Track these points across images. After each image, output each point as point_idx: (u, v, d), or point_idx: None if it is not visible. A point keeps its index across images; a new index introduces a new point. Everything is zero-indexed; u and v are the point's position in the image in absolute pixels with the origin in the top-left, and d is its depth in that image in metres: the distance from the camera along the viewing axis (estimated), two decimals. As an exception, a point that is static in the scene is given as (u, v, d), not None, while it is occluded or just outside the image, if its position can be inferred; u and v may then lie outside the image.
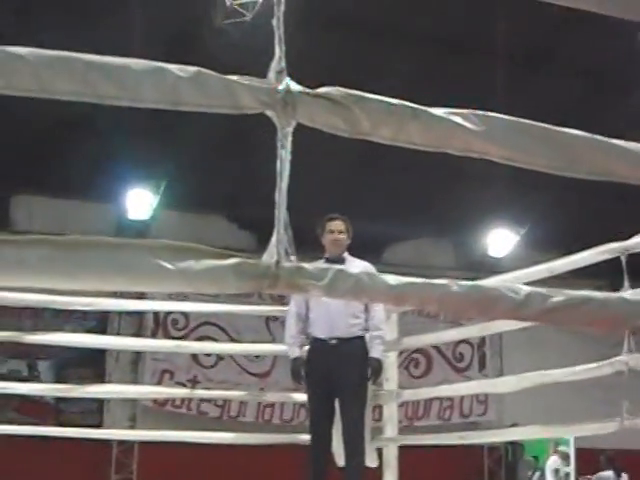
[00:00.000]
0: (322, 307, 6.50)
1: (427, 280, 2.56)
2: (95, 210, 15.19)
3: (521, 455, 17.21)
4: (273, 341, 13.72)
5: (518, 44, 13.59)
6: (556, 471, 15.68)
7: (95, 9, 12.23)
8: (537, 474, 16.42)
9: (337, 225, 6.59)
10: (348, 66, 12.61)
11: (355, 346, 6.48)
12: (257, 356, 15.89)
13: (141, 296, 13.42)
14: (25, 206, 15.28)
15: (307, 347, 6.69)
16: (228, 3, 13.21)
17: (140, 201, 15.21)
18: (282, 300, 11.46)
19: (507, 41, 13.13)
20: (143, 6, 12.18)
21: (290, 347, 6.67)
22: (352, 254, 6.60)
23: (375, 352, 6.46)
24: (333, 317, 6.48)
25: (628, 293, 4.33)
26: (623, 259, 5.56)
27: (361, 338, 6.50)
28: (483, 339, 17.63)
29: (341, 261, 6.44)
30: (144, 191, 15.05)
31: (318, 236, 6.64)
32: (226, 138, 13.75)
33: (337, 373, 6.38)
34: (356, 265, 6.32)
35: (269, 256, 2.38)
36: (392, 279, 2.49)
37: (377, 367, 6.48)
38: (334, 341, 6.47)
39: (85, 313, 12.31)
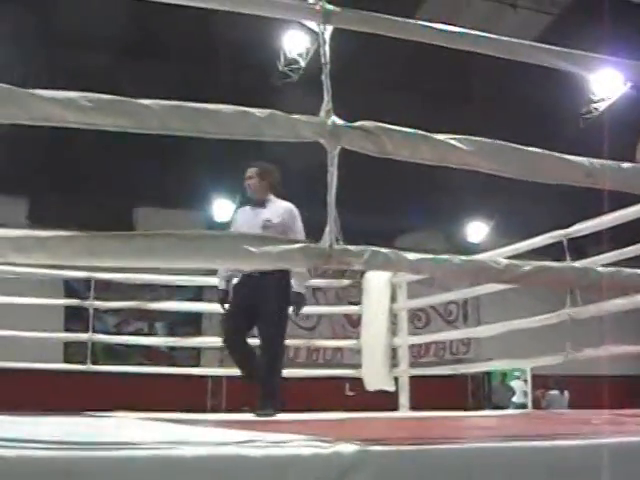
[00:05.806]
0: None
1: (435, 256, 2.55)
2: (191, 215, 15.18)
3: (498, 380, 17.18)
4: (317, 304, 13.75)
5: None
6: (524, 393, 15.92)
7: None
8: (515, 396, 16.42)
9: (246, 172, 5.77)
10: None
11: (273, 278, 5.34)
12: (307, 316, 15.93)
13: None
14: (143, 215, 15.32)
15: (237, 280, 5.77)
16: (281, 68, 13.44)
17: (223, 207, 15.23)
18: (323, 274, 11.40)
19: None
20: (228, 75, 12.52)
21: (219, 280, 5.85)
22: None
23: (296, 287, 5.48)
24: None
25: (575, 263, 4.30)
26: (565, 241, 5.62)
27: (280, 271, 5.27)
28: (466, 300, 17.54)
29: (262, 203, 5.61)
30: (226, 200, 15.11)
31: None
32: (285, 163, 13.80)
33: (258, 297, 5.47)
34: (279, 206, 5.60)
35: (324, 242, 2.38)
36: (411, 255, 2.48)
37: (298, 300, 5.52)
38: (256, 274, 5.39)
39: (187, 287, 12.32)
